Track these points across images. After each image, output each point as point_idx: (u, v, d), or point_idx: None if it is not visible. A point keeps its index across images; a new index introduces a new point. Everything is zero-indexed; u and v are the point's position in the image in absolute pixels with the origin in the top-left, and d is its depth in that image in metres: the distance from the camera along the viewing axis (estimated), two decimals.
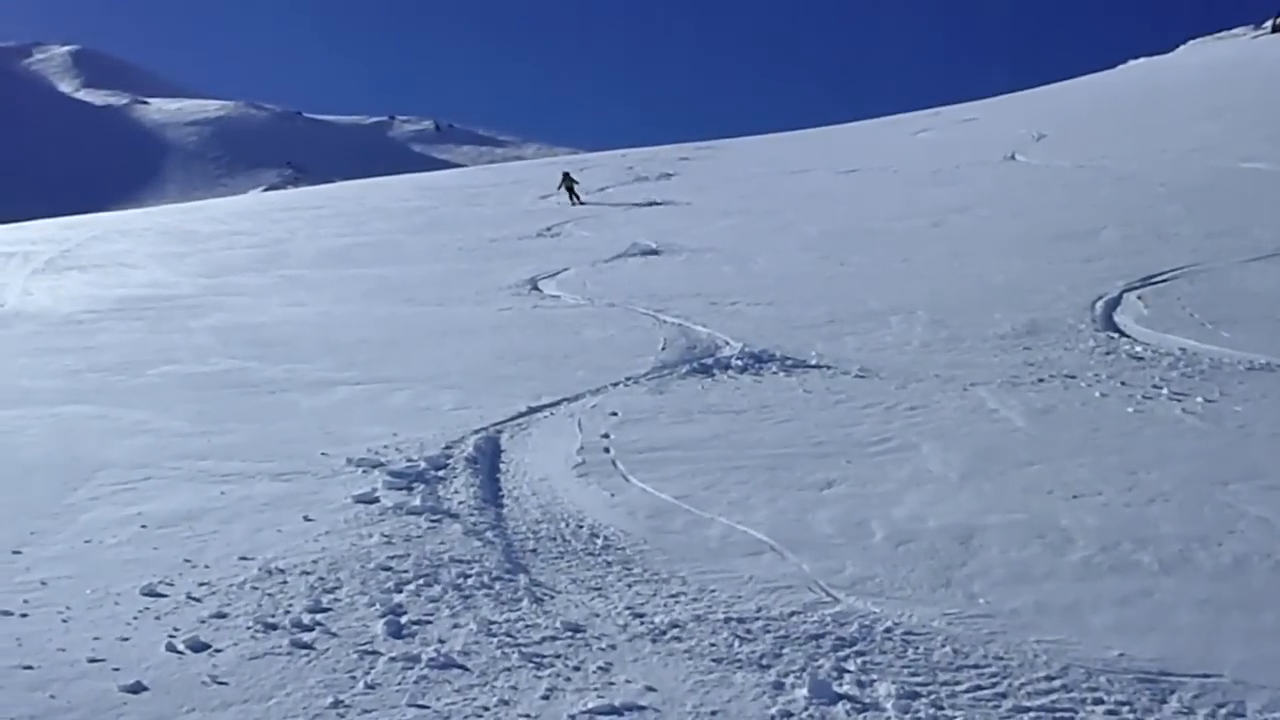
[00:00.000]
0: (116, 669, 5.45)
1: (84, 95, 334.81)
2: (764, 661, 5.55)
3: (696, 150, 57.83)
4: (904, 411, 10.80)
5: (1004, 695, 5.19)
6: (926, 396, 11.34)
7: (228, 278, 25.05)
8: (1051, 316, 15.01)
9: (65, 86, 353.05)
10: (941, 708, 5.06)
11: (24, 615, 6.15)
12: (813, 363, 13.18)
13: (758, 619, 6.09)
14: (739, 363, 13.25)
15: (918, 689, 5.25)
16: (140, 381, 13.76)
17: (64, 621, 6.06)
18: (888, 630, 5.91)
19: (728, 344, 14.48)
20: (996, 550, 7.11)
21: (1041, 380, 11.84)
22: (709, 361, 13.50)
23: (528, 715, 4.98)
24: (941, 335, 14.43)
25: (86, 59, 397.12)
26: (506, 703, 5.12)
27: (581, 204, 36.05)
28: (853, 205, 31.28)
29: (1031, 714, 5.01)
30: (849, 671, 5.44)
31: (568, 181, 37.51)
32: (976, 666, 5.49)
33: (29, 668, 5.45)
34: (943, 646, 5.70)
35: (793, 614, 6.15)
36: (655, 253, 25.36)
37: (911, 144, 49.10)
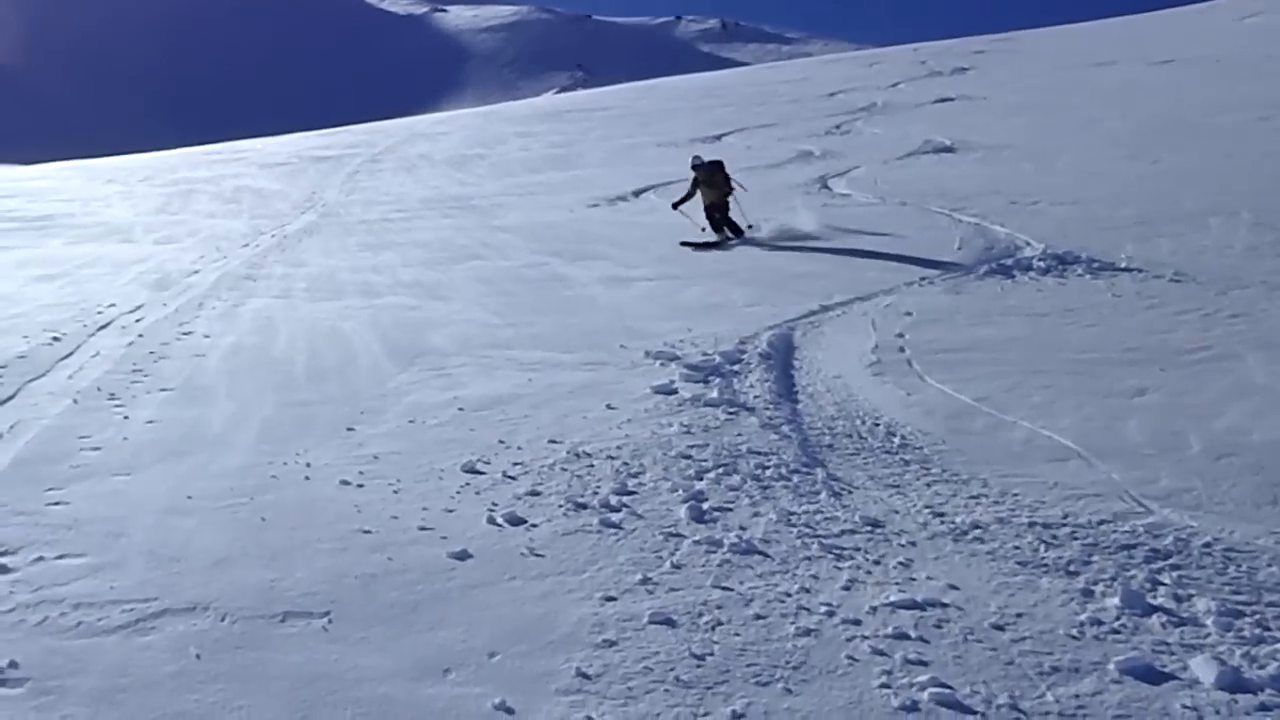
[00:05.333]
0: (444, 537, 5.91)
1: (386, 4, 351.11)
2: (1072, 568, 5.41)
3: (993, 43, 55.06)
4: (1225, 319, 10.09)
5: None
6: (1251, 304, 10.54)
7: (525, 178, 26.06)
8: None
9: None
10: (1268, 628, 4.78)
11: (360, 486, 6.74)
12: (1122, 265, 12.48)
13: (1064, 525, 5.93)
14: (1041, 264, 12.71)
15: (1240, 608, 4.98)
16: (449, 276, 14.63)
17: (395, 493, 6.61)
18: (1206, 545, 5.62)
19: (1029, 244, 13.91)
20: None
21: None
22: (1008, 262, 13.03)
23: (829, 604, 5.07)
24: (1268, 239, 13.31)
25: None
26: (808, 590, 5.23)
27: (731, 235, 16.65)
28: (1166, 99, 29.02)
29: None
30: (1163, 584, 5.22)
31: (713, 186, 16.83)
32: None
33: (368, 532, 5.98)
34: (1269, 566, 5.37)
35: (1102, 522, 5.95)
36: (949, 150, 24.50)
37: (1237, 30, 44.91)
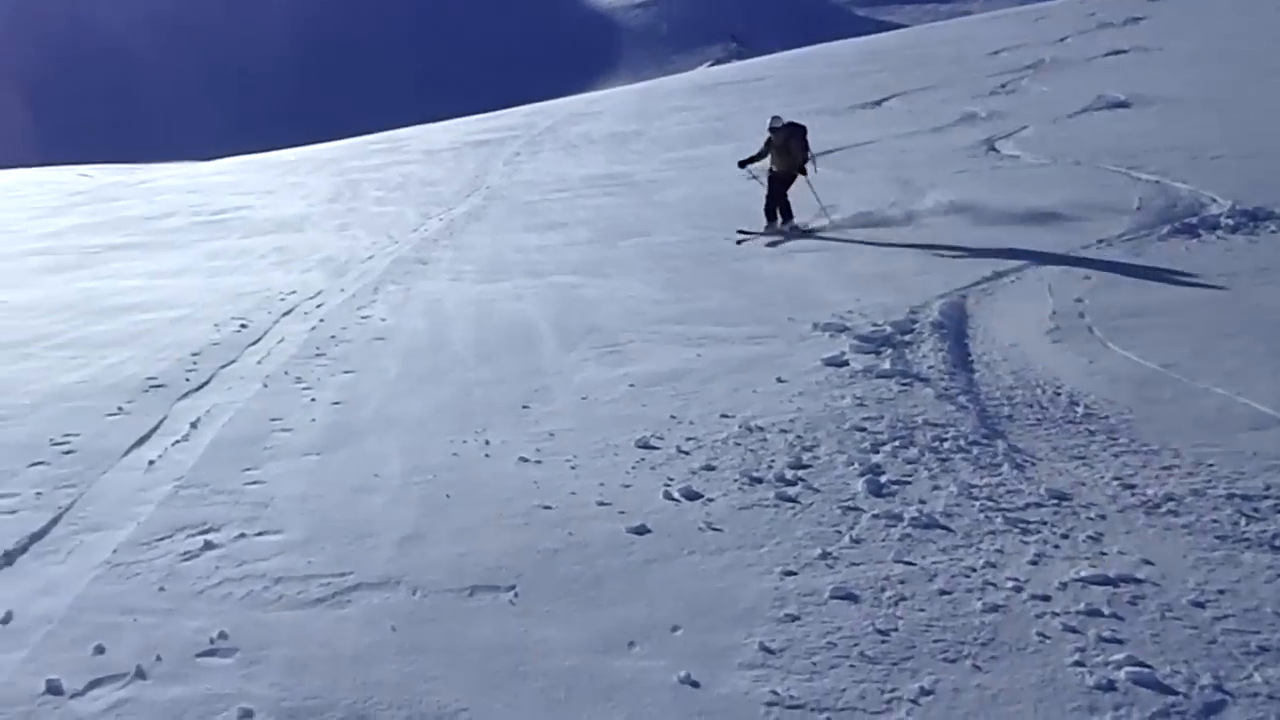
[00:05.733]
0: (622, 512, 5.98)
1: None
2: (1277, 543, 5.15)
3: None
4: None
5: None
6: None
7: (684, 152, 26.03)
8: None
9: None
10: None
11: (538, 462, 6.88)
12: None
13: (1266, 497, 5.63)
14: (1229, 221, 12.07)
15: None
16: (613, 253, 14.76)
17: (572, 469, 6.72)
18: None
19: (1214, 201, 13.22)
20: None
21: None
22: (1192, 221, 12.42)
23: (1016, 579, 4.95)
24: None
25: None
26: (993, 565, 5.12)
27: (782, 223, 15.34)
28: None
29: None
30: None
31: (787, 153, 15.25)
32: None
33: (548, 508, 6.11)
34: None
35: None
36: (1124, 105, 23.44)
37: None
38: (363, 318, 11.66)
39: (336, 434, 7.66)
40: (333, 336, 10.76)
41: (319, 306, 12.46)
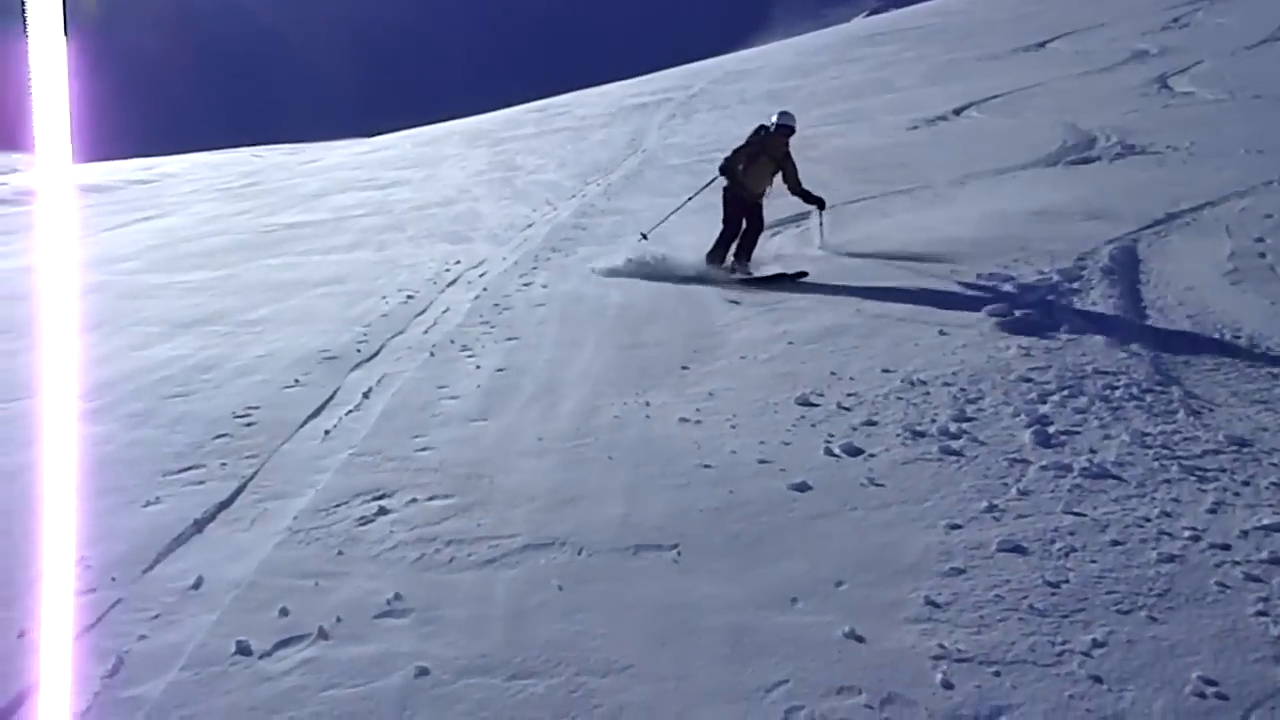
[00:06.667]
0: (782, 470, 5.99)
1: None
2: None
3: None
4: None
5: None
6: None
7: (841, 105, 25.61)
8: None
9: None
10: None
11: (698, 422, 6.92)
12: None
13: None
14: None
15: None
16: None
17: (732, 428, 6.75)
18: None
19: None
20: None
21: None
22: None
23: (1193, 529, 4.78)
24: None
25: None
26: (1169, 515, 4.95)
27: (735, 265, 11.33)
28: None
29: None
30: None
31: (759, 168, 11.41)
32: None
33: (708, 466, 6.16)
34: None
35: None
36: None
37: None
38: (524, 285, 11.90)
39: (501, 400, 7.86)
40: (496, 305, 11.02)
41: (482, 276, 12.76)
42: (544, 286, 11.74)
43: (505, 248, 14.72)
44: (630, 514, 5.57)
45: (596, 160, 24.11)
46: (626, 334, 9.37)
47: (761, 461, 6.12)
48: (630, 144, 26.26)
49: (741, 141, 11.59)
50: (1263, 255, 8.86)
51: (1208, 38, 24.49)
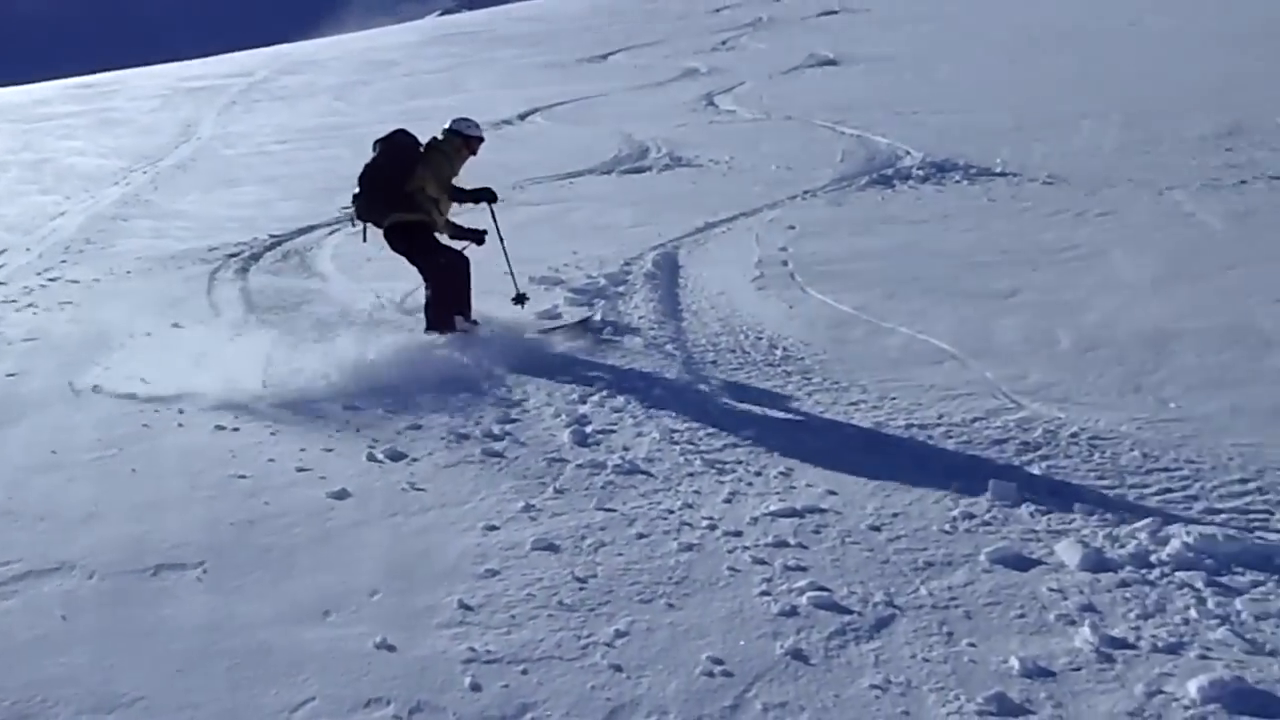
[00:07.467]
0: (322, 477, 5.80)
1: None
2: (946, 466, 5.55)
3: None
4: (1094, 218, 10.35)
5: (1195, 498, 5.06)
6: (1118, 202, 10.83)
7: (409, 104, 25.42)
8: (1256, 116, 14.05)
9: None
10: (1129, 510, 4.97)
11: (235, 430, 6.58)
12: (998, 170, 12.71)
13: (939, 425, 6.06)
14: (920, 172, 12.87)
15: (1104, 492, 5.17)
16: (330, 209, 14.23)
17: (272, 434, 6.46)
18: (1073, 435, 5.80)
19: (909, 154, 14.04)
20: (1192, 355, 6.84)
21: (1243, 182, 11.17)
22: (889, 172, 13.16)
23: (711, 518, 5.13)
24: (1136, 138, 13.69)
25: None
26: (690, 506, 5.28)
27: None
28: (1042, 8, 29.46)
29: (1224, 516, 4.88)
30: (1033, 475, 5.39)
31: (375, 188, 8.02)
32: (1166, 470, 5.35)
33: (243, 477, 5.85)
34: (1131, 451, 5.57)
35: (975, 420, 6.10)
36: (833, 63, 24.57)
37: None
38: (50, 280, 10.85)
39: (14, 408, 7.10)
40: (13, 300, 9.97)
41: (1, 267, 11.51)
42: (73, 282, 10.76)
43: (30, 238, 13.35)
44: (151, 531, 5.18)
45: (143, 146, 22.44)
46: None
47: (301, 469, 5.91)
48: (185, 130, 24.71)
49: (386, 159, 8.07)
50: (785, 263, 9.72)
51: (750, 61, 26.65)
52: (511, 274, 8.43)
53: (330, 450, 6.14)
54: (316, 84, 32.17)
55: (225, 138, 22.96)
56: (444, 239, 8.16)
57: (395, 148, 8.06)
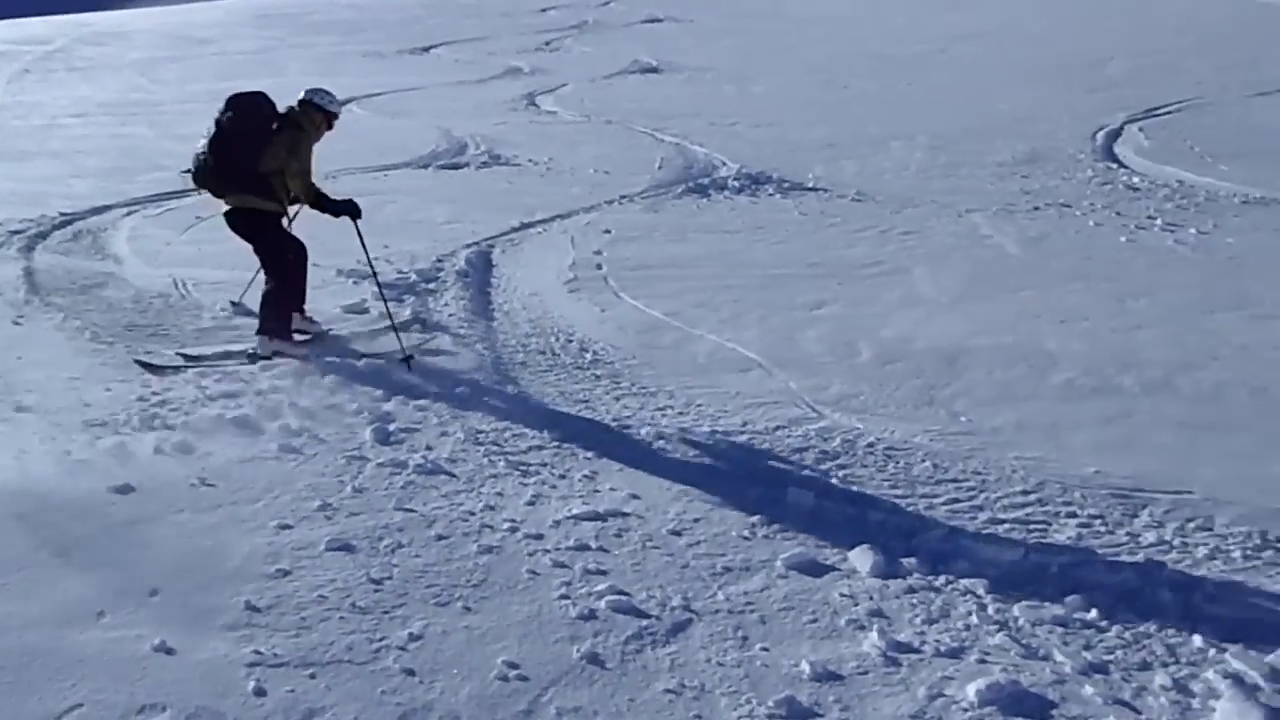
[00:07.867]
0: (105, 470, 5.47)
1: None
2: (747, 473, 5.65)
3: None
4: (898, 235, 10.74)
5: (980, 508, 5.30)
6: (921, 221, 11.28)
7: (218, 84, 24.27)
8: (1052, 146, 14.90)
9: None
10: (920, 518, 5.17)
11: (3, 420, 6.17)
12: (810, 185, 13.07)
13: (742, 432, 6.17)
14: (735, 183, 13.11)
15: (896, 501, 5.35)
16: (130, 187, 13.57)
17: (55, 425, 6.09)
18: (870, 445, 6.00)
19: (725, 164, 14.30)
20: (982, 371, 7.17)
21: (1037, 208, 11.81)
22: (705, 181, 13.36)
23: (513, 520, 5.07)
24: (940, 161, 14.30)
25: None
26: (492, 508, 5.21)
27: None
28: (858, 29, 30.56)
29: (1006, 526, 5.13)
30: (831, 483, 5.54)
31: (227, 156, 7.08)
32: (955, 480, 5.59)
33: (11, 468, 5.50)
34: (923, 461, 5.80)
35: (777, 428, 6.23)
36: (655, 70, 24.81)
37: None
38: None
39: None
40: None
41: None
42: None
43: None
44: None
45: None
46: None
47: (80, 462, 5.57)
48: None
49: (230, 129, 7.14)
50: (599, 267, 9.73)
51: (574, 63, 26.66)
52: (390, 317, 7.50)
53: (115, 442, 5.80)
54: (121, 58, 30.60)
55: (15, 107, 21.58)
56: (289, 223, 7.50)
57: (249, 114, 7.11)
